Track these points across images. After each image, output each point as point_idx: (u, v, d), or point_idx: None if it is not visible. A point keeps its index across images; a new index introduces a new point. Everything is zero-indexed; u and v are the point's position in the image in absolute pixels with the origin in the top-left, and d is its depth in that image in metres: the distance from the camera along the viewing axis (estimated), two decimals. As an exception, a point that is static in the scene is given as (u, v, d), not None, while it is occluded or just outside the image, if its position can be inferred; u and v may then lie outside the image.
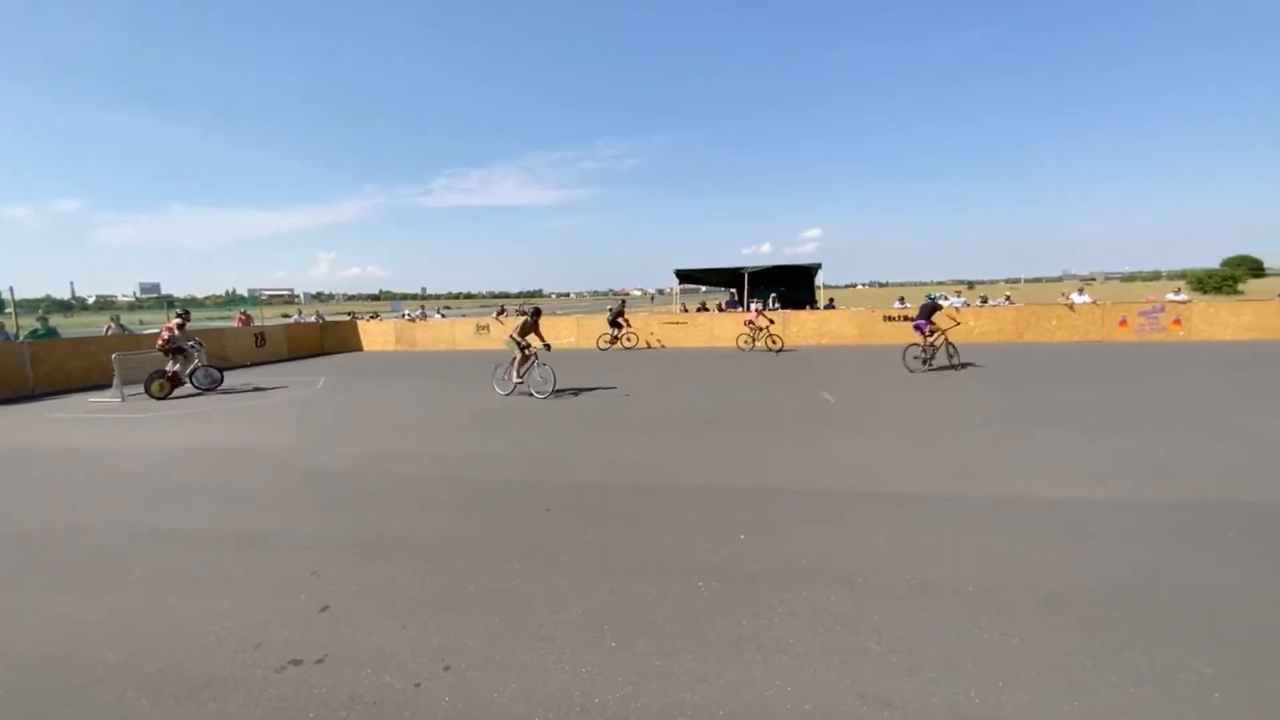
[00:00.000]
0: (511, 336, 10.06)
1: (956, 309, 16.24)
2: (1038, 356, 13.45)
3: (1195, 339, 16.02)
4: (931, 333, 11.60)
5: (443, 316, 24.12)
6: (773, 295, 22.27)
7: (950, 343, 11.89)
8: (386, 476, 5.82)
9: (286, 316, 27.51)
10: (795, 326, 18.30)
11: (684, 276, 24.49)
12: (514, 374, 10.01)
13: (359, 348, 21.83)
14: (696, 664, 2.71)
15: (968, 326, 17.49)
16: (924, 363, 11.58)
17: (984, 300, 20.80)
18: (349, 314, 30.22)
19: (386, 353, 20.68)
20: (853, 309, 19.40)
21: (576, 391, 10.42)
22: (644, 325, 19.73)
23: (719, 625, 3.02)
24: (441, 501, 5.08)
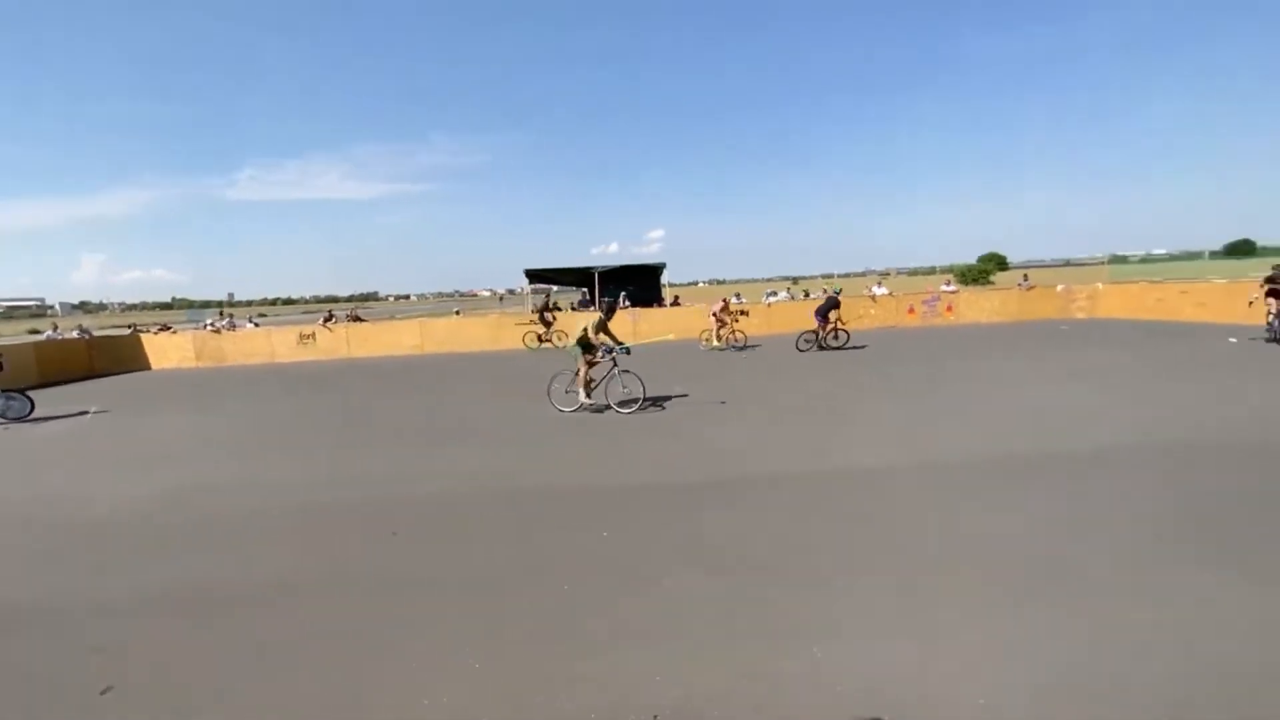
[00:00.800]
0: (586, 334, 7.95)
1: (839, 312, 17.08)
2: (859, 340, 15.43)
3: (961, 322, 19.50)
4: (826, 323, 13.70)
5: (256, 325, 21.07)
6: (623, 294, 22.87)
7: (842, 330, 14.05)
8: (191, 516, 4.94)
9: (36, 333, 22.08)
10: (645, 324, 18.95)
11: (535, 276, 24.14)
12: (581, 387, 8.07)
13: (146, 366, 18.29)
14: (573, 664, 2.68)
15: (795, 318, 19.52)
16: (816, 346, 13.68)
17: (806, 294, 23.35)
18: (129, 326, 25.01)
19: (186, 371, 17.57)
20: (696, 306, 20.60)
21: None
22: (495, 327, 19.08)
23: (591, 625, 3.02)
24: (272, 536, 4.44)
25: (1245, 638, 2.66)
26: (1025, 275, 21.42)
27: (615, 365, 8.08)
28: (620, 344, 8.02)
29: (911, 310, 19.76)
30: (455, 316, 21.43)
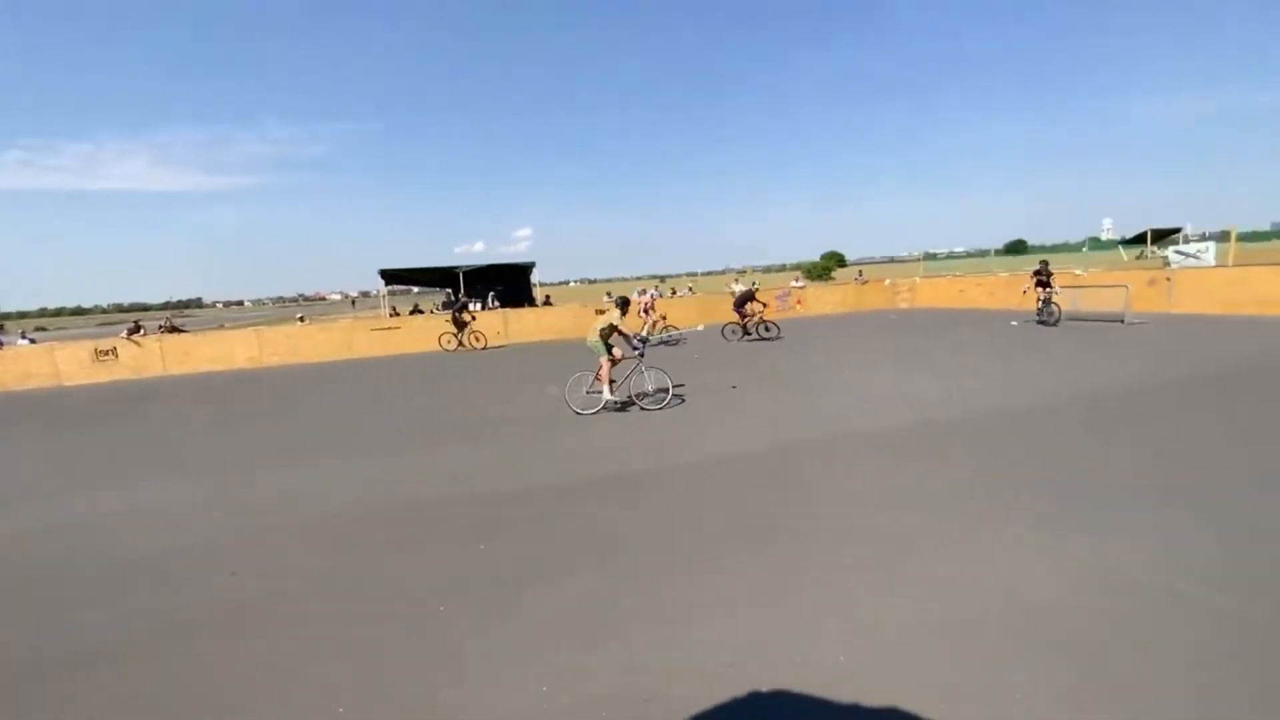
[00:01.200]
0: (607, 331, 7.47)
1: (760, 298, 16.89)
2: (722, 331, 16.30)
3: (810, 314, 21.46)
4: (745, 314, 14.70)
5: (31, 342, 17.26)
6: (491, 294, 22.06)
7: (765, 322, 14.90)
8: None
9: None
10: (516, 324, 18.48)
11: (391, 277, 22.40)
12: (606, 385, 7.54)
13: None
14: (451, 693, 2.51)
15: (670, 314, 20.18)
16: (740, 335, 14.77)
17: (673, 292, 24.24)
18: None
19: (-77, 402, 13.89)
20: (566, 305, 20.50)
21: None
22: (348, 333, 17.47)
23: (469, 646, 2.85)
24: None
25: (1053, 578, 3.20)
26: (860, 271, 24.16)
27: (642, 360, 7.86)
28: (643, 338, 7.79)
29: (767, 305, 21.34)
30: (300, 324, 19.26)
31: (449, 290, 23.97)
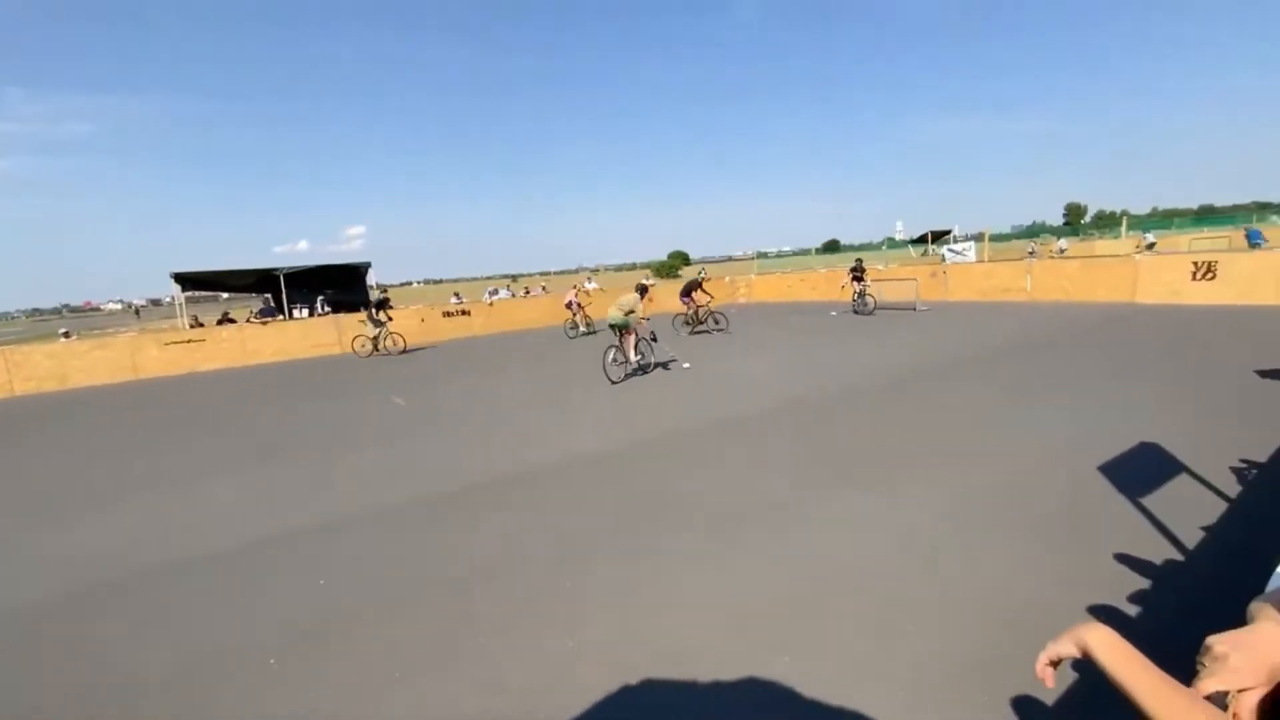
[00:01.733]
0: (626, 316, 8.87)
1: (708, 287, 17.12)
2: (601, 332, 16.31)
3: (660, 311, 22.33)
4: (690, 304, 14.84)
5: None
6: (320, 298, 19.85)
7: (714, 312, 14.92)
8: None
9: None
10: (351, 332, 16.85)
11: (191, 281, 19.10)
12: (630, 354, 9.19)
13: None
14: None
15: (526, 315, 19.74)
16: (688, 326, 14.98)
17: (527, 291, 23.82)
18: None
19: None
20: (413, 307, 19.13)
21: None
22: (132, 350, 14.59)
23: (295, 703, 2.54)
24: None
25: (881, 540, 3.67)
26: (702, 269, 25.69)
27: (653, 336, 9.86)
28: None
29: (713, 296, 21.86)
30: (63, 340, 15.68)
31: (267, 296, 21.10)
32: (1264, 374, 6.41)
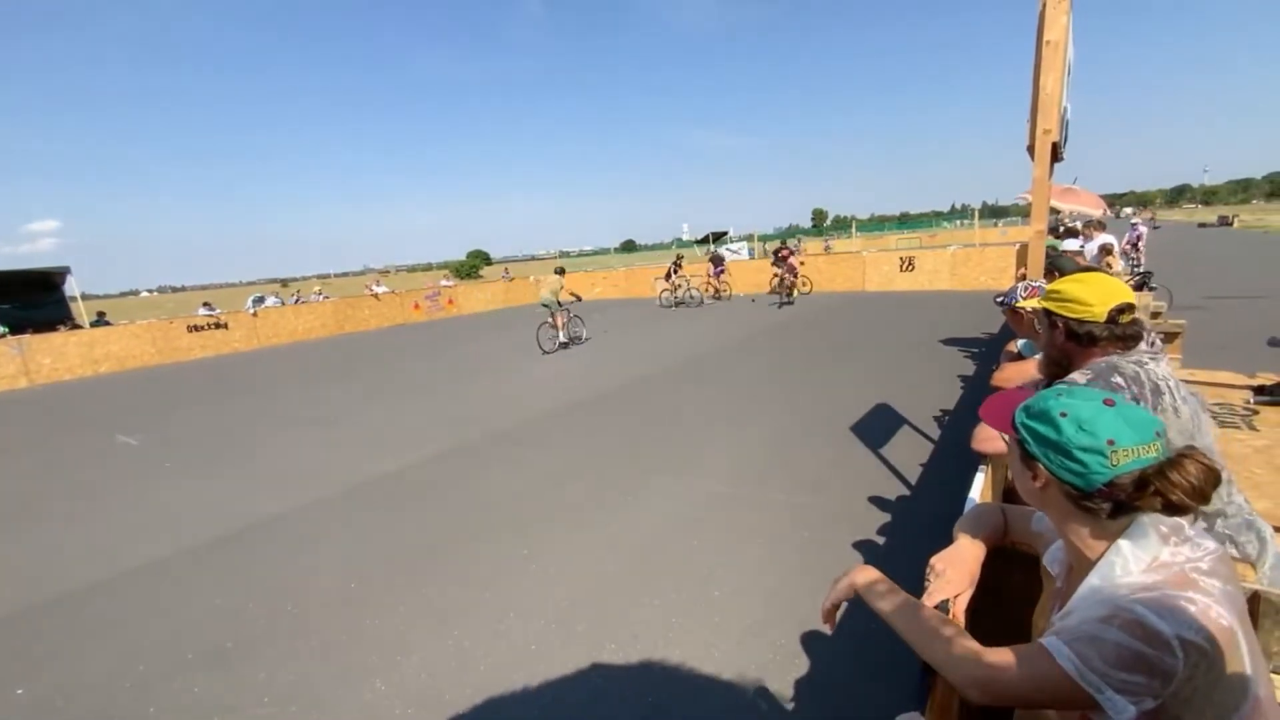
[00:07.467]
0: (554, 296, 10.75)
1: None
2: (421, 336, 14.67)
3: (464, 313, 21.34)
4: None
5: None
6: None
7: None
8: None
9: None
10: (47, 356, 13.00)
11: None
12: (560, 330, 10.92)
13: None
14: None
15: (290, 325, 17.15)
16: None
17: (296, 296, 20.79)
18: None
19: None
20: (141, 322, 15.37)
21: None
22: None
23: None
24: None
25: (678, 507, 3.91)
26: (506, 269, 25.16)
27: (571, 316, 11.27)
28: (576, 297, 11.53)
29: (416, 306, 20.29)
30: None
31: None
32: (944, 341, 8.47)
